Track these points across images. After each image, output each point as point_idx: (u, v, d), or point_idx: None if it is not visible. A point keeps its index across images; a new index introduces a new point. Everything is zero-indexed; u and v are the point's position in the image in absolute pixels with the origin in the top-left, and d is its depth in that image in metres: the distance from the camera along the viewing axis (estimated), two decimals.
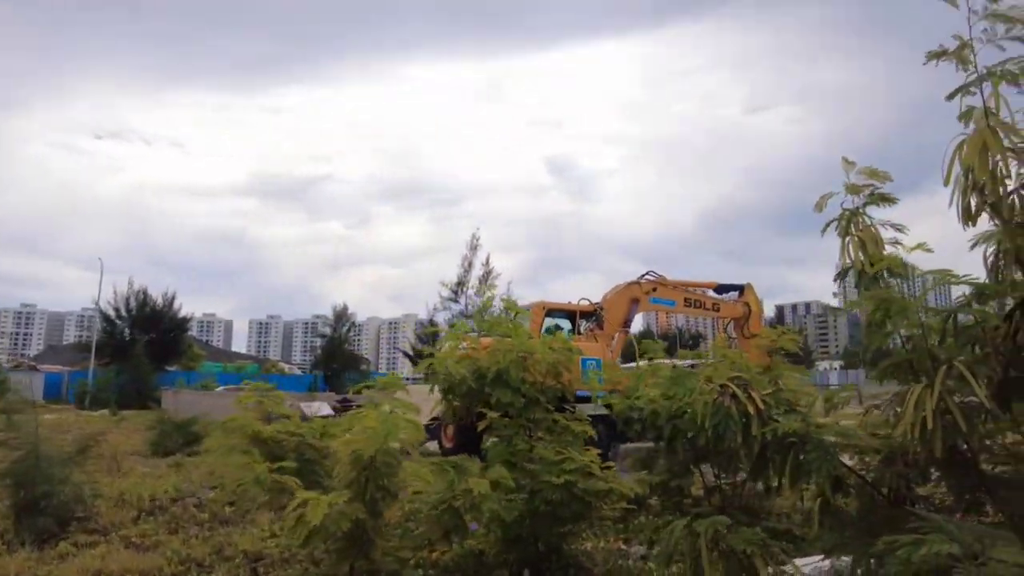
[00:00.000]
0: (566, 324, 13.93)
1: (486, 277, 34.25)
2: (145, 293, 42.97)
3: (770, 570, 2.69)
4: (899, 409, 2.57)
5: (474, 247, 34.51)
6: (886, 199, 2.66)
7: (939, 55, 2.20)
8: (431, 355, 5.57)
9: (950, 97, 2.16)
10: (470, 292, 34.25)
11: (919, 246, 2.61)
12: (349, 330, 49.97)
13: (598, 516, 5.25)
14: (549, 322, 13.63)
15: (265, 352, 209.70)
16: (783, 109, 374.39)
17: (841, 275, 2.78)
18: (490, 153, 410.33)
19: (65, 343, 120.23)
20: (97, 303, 40.53)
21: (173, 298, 44.06)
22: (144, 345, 35.54)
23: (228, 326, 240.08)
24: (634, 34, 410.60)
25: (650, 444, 8.23)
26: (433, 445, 12.11)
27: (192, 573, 5.23)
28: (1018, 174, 2.10)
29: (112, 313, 41.99)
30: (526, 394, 5.16)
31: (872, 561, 2.42)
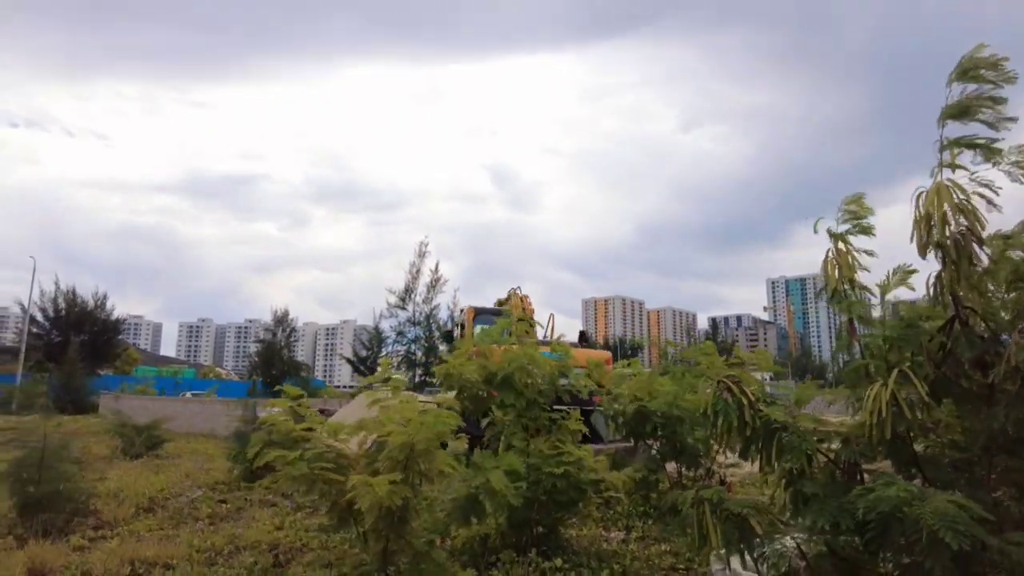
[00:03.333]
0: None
1: (434, 284, 34.64)
2: (74, 293, 41.46)
3: (760, 531, 3.41)
4: (857, 403, 3.38)
5: (422, 254, 34.85)
6: (865, 230, 3.43)
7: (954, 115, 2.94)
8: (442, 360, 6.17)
9: (942, 149, 2.92)
10: (418, 299, 34.57)
11: (892, 282, 3.39)
12: (289, 335, 49.15)
13: (589, 502, 5.94)
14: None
15: (196, 356, 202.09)
16: (709, 128, 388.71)
17: (831, 295, 3.46)
18: (428, 159, 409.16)
19: None
20: (28, 303, 38.73)
21: (105, 299, 42.66)
22: (76, 348, 34.20)
23: (157, 329, 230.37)
24: (569, 48, 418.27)
25: (619, 444, 9.02)
26: None
27: (220, 559, 5.58)
28: (957, 222, 2.89)
29: (39, 314, 40.28)
30: (527, 396, 5.80)
31: (824, 524, 3.17)
